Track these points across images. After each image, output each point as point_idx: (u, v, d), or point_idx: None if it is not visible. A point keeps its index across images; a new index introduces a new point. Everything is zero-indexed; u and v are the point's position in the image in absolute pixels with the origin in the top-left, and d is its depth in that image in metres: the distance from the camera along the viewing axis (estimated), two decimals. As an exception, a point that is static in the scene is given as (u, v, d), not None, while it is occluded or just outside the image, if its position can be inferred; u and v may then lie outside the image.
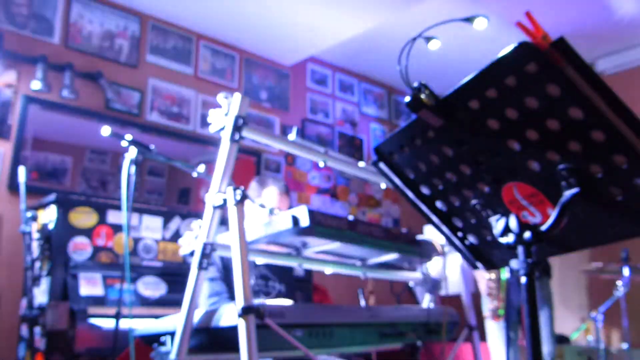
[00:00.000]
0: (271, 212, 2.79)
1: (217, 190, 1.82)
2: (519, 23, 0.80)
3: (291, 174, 5.03)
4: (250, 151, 4.73)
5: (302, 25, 4.51)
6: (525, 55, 0.86)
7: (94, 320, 2.80)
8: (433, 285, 2.73)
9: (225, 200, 1.79)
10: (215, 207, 1.82)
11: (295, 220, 1.88)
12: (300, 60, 5.24)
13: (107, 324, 2.77)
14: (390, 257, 2.54)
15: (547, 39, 0.81)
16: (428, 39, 4.48)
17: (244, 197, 1.78)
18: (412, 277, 2.77)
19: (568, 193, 0.98)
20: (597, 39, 4.92)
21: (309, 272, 3.73)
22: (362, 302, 4.62)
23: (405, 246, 2.40)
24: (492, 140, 1.03)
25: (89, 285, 2.94)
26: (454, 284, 2.79)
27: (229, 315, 1.74)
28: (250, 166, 4.78)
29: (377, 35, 4.78)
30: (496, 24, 4.40)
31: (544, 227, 1.03)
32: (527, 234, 1.05)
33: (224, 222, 1.81)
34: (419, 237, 2.46)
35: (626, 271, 3.59)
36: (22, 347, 3.13)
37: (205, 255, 1.80)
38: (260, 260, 2.50)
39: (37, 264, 2.98)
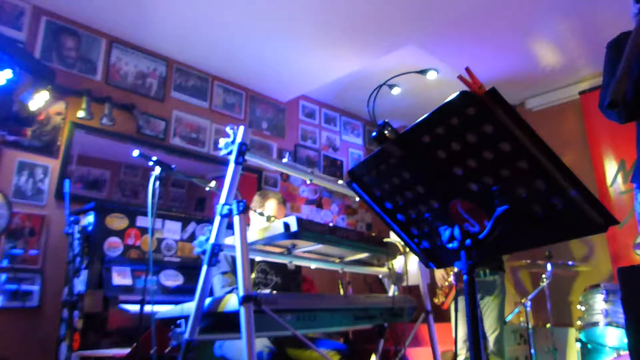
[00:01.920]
0: (268, 219, 2.78)
1: (224, 203, 1.82)
2: (460, 76, 0.81)
3: (286, 188, 5.02)
4: (253, 169, 4.71)
5: (296, 70, 4.53)
6: (465, 101, 0.87)
7: (123, 305, 2.76)
8: (397, 278, 2.72)
9: (230, 210, 1.78)
10: (222, 216, 1.81)
11: (287, 227, 1.88)
12: (294, 98, 5.24)
13: (134, 308, 2.74)
14: (363, 255, 2.53)
15: (482, 88, 0.82)
16: (391, 86, 4.54)
17: (246, 208, 1.78)
18: (380, 271, 2.76)
19: (499, 209, 0.99)
20: (527, 82, 4.96)
21: (299, 266, 3.72)
22: (341, 291, 4.62)
23: (375, 247, 2.39)
24: (441, 167, 1.03)
25: (120, 277, 2.90)
26: (414, 277, 2.78)
27: (232, 303, 1.72)
28: (253, 181, 4.76)
29: (354, 78, 4.80)
30: (445, 74, 4.45)
31: (480, 236, 1.03)
32: (467, 241, 1.06)
33: (231, 227, 1.80)
34: (386, 239, 2.46)
35: (549, 267, 3.62)
36: (63, 327, 3.08)
37: (213, 254, 1.79)
38: (259, 258, 2.49)
39: (78, 259, 2.94)
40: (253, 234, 1.99)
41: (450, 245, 1.08)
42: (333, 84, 4.92)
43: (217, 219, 1.82)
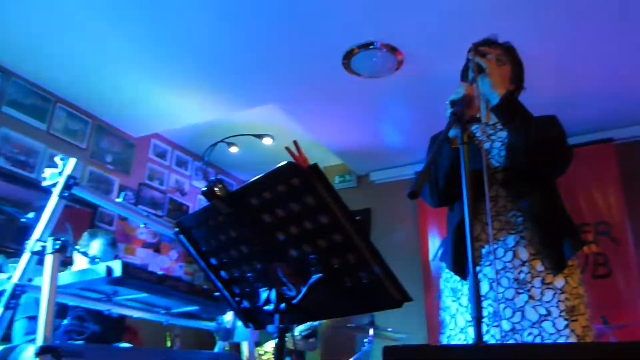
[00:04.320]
0: (92, 260, 2.58)
1: (38, 238, 1.64)
2: (287, 148, 0.86)
3: (122, 227, 4.69)
4: (88, 204, 4.34)
5: (152, 108, 4.38)
6: (291, 172, 0.92)
7: None
8: (225, 333, 2.66)
9: (43, 248, 1.62)
10: (33, 253, 1.63)
11: (109, 271, 1.75)
12: (146, 135, 5.03)
13: None
14: (192, 308, 2.45)
15: (307, 162, 0.88)
16: (229, 144, 4.68)
17: (63, 247, 1.62)
18: (208, 325, 2.68)
19: (314, 276, 1.04)
20: (374, 156, 5.37)
21: (123, 315, 3.45)
22: (169, 344, 4.36)
23: (205, 300, 2.33)
24: (265, 230, 1.06)
25: None
26: (243, 334, 2.75)
27: (27, 354, 1.53)
28: (86, 217, 4.38)
29: (212, 126, 4.78)
30: (297, 137, 4.69)
31: (294, 301, 1.07)
32: (282, 305, 1.09)
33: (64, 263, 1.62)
34: (217, 293, 2.41)
35: (371, 331, 3.84)
36: None
37: (14, 295, 1.59)
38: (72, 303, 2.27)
39: None
40: (69, 276, 1.82)
41: (266, 308, 1.10)
42: (190, 128, 4.84)
43: (26, 256, 1.63)
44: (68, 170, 1.71)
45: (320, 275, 1.03)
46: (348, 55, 3.52)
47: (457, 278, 1.73)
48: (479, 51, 1.73)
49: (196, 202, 5.62)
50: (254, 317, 1.30)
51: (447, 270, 1.82)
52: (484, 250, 1.68)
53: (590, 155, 4.41)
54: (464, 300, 1.69)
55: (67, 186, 1.70)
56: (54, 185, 1.72)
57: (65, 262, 3.25)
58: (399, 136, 4.89)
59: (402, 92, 4.04)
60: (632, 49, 3.40)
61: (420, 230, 5.16)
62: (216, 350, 2.73)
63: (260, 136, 4.46)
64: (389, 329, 3.94)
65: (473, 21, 3.09)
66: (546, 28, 3.19)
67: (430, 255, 4.98)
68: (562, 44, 3.35)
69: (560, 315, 1.51)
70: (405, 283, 1.02)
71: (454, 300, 1.74)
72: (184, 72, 3.82)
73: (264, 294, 1.12)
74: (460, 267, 1.71)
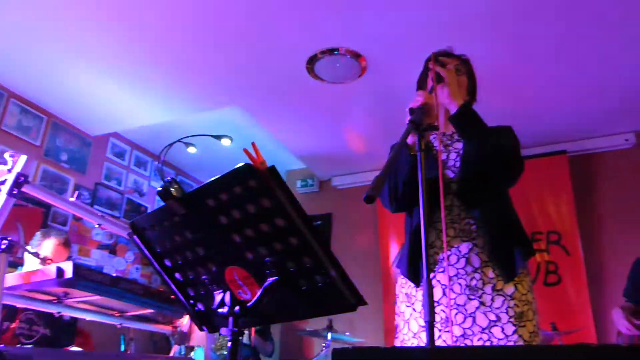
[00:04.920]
0: (43, 261, 2.49)
1: (-16, 237, 1.58)
2: (245, 150, 0.86)
3: (77, 228, 4.55)
4: (40, 203, 4.19)
5: (111, 105, 4.28)
6: (248, 173, 0.92)
7: None
8: (181, 337, 2.62)
9: (-11, 247, 1.55)
10: (-23, 252, 1.56)
11: (60, 272, 1.70)
12: (104, 134, 4.90)
13: None
14: (148, 310, 2.40)
15: (264, 164, 0.88)
16: (187, 144, 4.64)
17: (10, 247, 1.57)
18: (163, 329, 2.63)
19: (270, 279, 1.04)
20: (336, 161, 5.39)
21: (75, 318, 3.35)
22: (122, 347, 4.24)
23: (160, 303, 2.29)
24: (221, 232, 1.06)
25: None
26: (200, 338, 2.71)
27: (-32, 357, 1.46)
28: (38, 216, 4.23)
29: (174, 127, 4.70)
30: (260, 140, 4.68)
31: (249, 304, 1.07)
32: (236, 308, 1.08)
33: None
34: (173, 296, 2.37)
35: (329, 336, 3.85)
36: None
37: (-45, 296, 1.52)
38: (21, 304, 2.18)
39: None
40: (18, 277, 1.75)
41: (220, 310, 1.10)
42: (150, 127, 4.75)
43: (-30, 256, 1.57)
44: (18, 168, 1.65)
45: (275, 278, 1.03)
46: (312, 60, 3.53)
47: (412, 284, 1.75)
48: (439, 61, 1.77)
49: (154, 203, 5.51)
50: (208, 320, 1.29)
51: (402, 276, 1.85)
52: (438, 257, 1.72)
53: (545, 166, 4.57)
54: (418, 305, 1.71)
55: (17, 184, 1.64)
56: (2, 182, 1.65)
57: (16, 263, 3.13)
58: (362, 142, 4.93)
59: (365, 98, 4.08)
60: (586, 65, 3.55)
61: (380, 235, 5.22)
62: (172, 354, 2.68)
63: (218, 137, 4.42)
64: (347, 334, 3.97)
65: (435, 32, 3.16)
66: (502, 42, 3.29)
67: (390, 261, 5.04)
68: (518, 59, 3.47)
69: (509, 321, 1.56)
70: (365, 288, 1.04)
71: (408, 306, 1.76)
72: (145, 70, 3.75)
73: (218, 297, 1.11)
74: (414, 273, 1.74)
